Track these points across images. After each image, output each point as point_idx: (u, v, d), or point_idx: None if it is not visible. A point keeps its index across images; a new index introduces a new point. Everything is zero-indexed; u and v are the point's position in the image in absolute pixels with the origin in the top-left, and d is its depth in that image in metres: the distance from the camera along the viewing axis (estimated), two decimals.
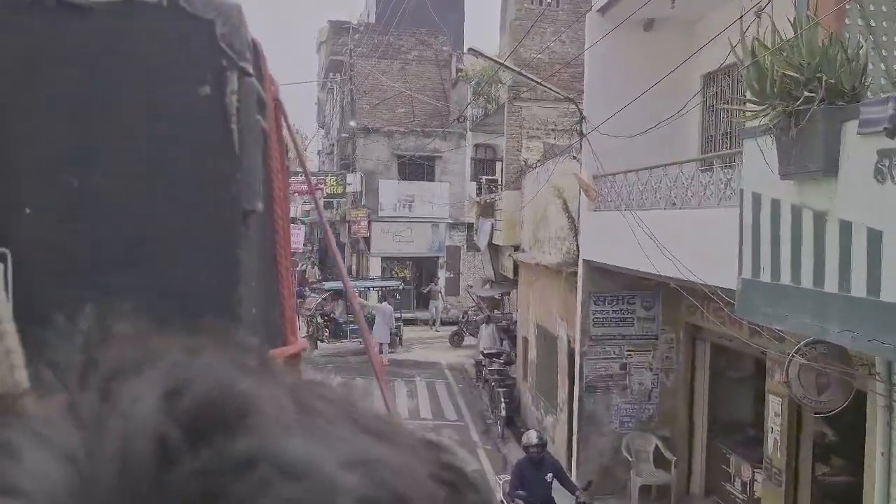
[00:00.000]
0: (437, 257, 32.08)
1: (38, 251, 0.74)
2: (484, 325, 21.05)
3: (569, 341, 14.23)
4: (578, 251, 13.27)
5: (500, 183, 33.74)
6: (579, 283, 12.38)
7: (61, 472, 0.29)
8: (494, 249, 20.54)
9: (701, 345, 12.09)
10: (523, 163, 18.67)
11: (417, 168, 31.54)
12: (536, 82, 14.28)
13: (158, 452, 0.30)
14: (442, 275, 32.13)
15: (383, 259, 31.15)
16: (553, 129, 18.82)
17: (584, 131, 12.16)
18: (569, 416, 14.03)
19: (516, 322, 20.35)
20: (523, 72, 13.62)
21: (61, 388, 0.33)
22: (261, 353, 0.38)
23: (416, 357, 24.65)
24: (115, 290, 0.75)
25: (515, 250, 18.57)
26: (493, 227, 19.93)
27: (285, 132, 0.96)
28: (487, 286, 23.66)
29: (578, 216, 12.93)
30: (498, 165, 33.89)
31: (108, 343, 0.35)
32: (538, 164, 17.37)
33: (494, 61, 15.06)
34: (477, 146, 32.75)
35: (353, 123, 30.16)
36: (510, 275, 18.87)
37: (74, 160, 0.76)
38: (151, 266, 0.77)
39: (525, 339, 18.10)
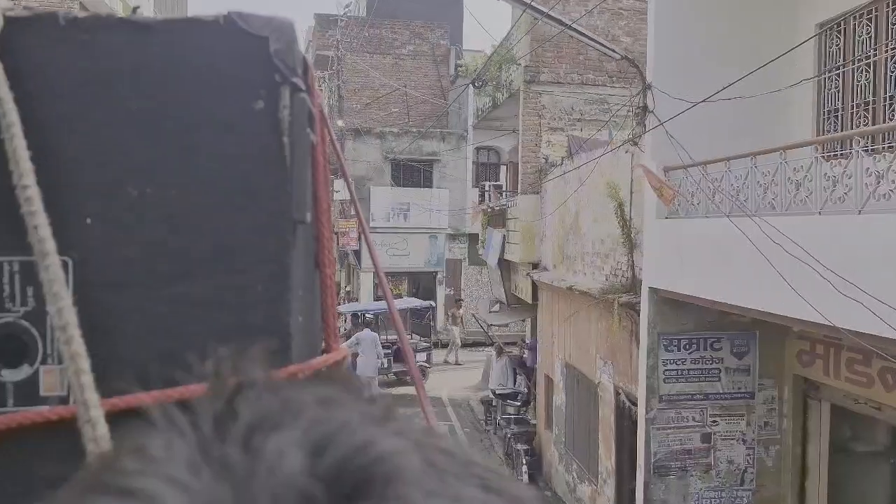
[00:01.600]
0: (436, 272, 28.38)
1: (98, 261, 0.76)
2: (495, 357, 17.32)
3: (617, 393, 10.49)
4: (633, 273, 9.56)
5: (504, 189, 30.12)
6: (643, 321, 8.66)
7: None
8: (506, 266, 16.86)
9: (816, 407, 8.41)
10: (543, 160, 14.98)
11: (413, 173, 27.86)
12: (579, 33, 10.58)
13: None
14: (440, 291, 28.42)
15: (376, 275, 27.43)
16: (580, 119, 15.14)
17: (649, 107, 8.48)
18: (619, 496, 10.30)
19: (531, 346, 16.63)
20: (556, 16, 9.92)
21: (194, 432, 0.34)
22: (385, 402, 0.38)
23: (411, 390, 20.90)
24: (173, 301, 0.77)
25: (534, 268, 14.89)
26: (504, 240, 16.24)
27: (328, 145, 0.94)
28: (496, 308, 19.95)
29: (628, 224, 9.25)
30: (502, 170, 30.25)
31: (243, 390, 0.36)
32: (564, 161, 13.69)
33: (521, 3, 11.32)
34: (479, 149, 29.10)
35: (340, 123, 26.48)
36: (527, 298, 15.19)
37: (134, 173, 0.77)
38: (207, 277, 0.78)
39: (548, 379, 14.38)
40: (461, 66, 29.47)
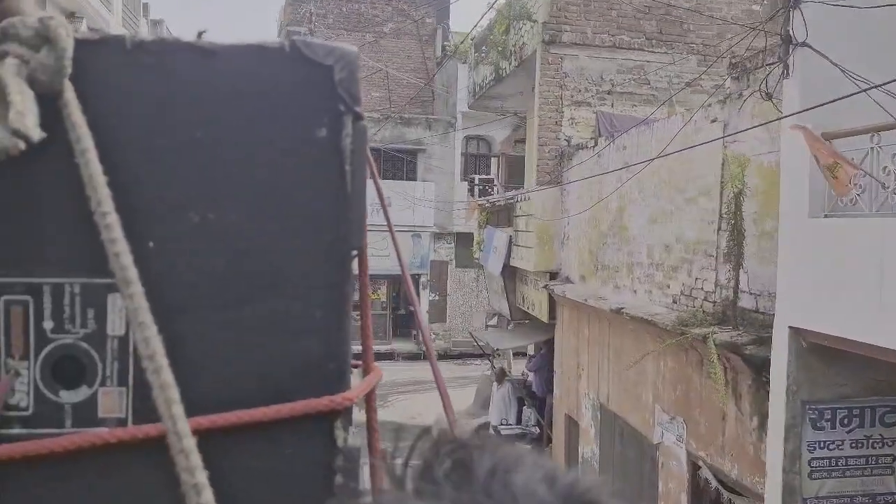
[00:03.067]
0: (419, 275, 25.03)
1: (160, 285, 0.75)
2: (495, 383, 14.05)
3: (694, 466, 7.26)
4: (734, 296, 6.35)
5: (496, 183, 26.86)
6: (777, 381, 5.37)
7: None
8: (511, 274, 13.60)
9: None
10: (565, 143, 11.72)
11: (395, 164, 24.52)
12: None
13: None
14: (425, 296, 25.10)
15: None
16: (610, 92, 11.89)
17: (795, 39, 5.23)
18: None
19: (535, 367, 13.42)
20: None
21: (447, 481, 0.41)
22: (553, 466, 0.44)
23: (397, 415, 17.56)
24: (233, 326, 0.77)
25: (552, 279, 11.64)
26: (510, 243, 12.98)
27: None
28: (493, 321, 16.69)
29: (740, 225, 6.00)
30: (493, 162, 27.01)
31: (464, 446, 0.43)
32: (598, 142, 10.44)
33: None
34: (468, 138, 25.82)
35: None
36: (540, 314, 11.95)
37: (196, 198, 0.77)
38: (267, 302, 0.78)
39: (571, 420, 11.13)
40: (449, 47, 26.15)
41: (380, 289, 25.27)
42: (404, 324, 25.56)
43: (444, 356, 24.81)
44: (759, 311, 6.24)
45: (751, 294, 6.28)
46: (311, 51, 0.79)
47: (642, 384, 8.41)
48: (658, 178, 8.10)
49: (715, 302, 6.91)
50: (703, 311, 7.02)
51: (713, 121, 7.06)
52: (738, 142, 6.53)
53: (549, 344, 12.19)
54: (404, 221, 24.22)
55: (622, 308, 8.43)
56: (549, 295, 11.56)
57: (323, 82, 0.78)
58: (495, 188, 25.35)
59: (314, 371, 0.80)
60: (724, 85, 7.35)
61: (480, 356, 25.03)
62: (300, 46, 0.79)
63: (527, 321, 14.07)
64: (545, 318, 11.76)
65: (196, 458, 0.67)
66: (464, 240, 24.91)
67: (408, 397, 19.15)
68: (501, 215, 14.30)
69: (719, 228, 6.89)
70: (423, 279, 25.00)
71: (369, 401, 0.97)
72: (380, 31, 27.12)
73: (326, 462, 0.81)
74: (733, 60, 6.77)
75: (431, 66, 27.12)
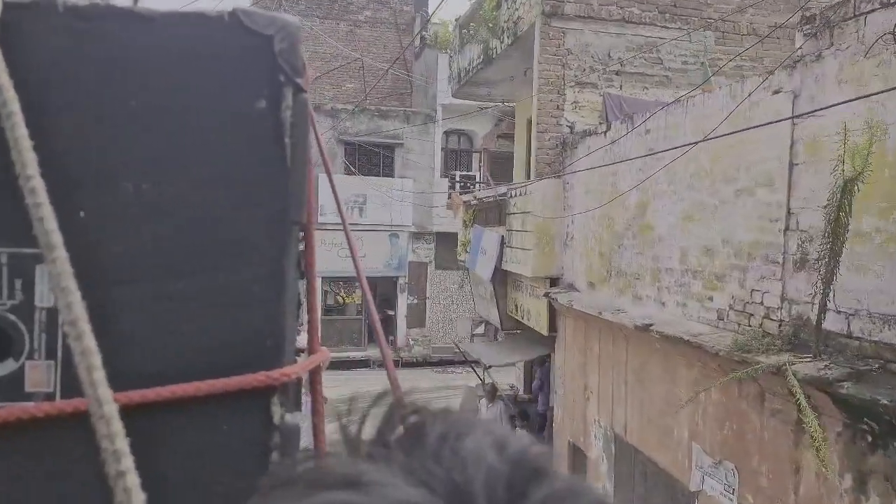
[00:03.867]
0: (397, 277, 23.44)
1: (92, 256, 0.73)
2: (486, 401, 12.49)
3: None
4: (821, 316, 4.84)
5: (479, 180, 25.32)
6: None
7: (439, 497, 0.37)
8: (502, 279, 12.07)
9: None
10: (567, 129, 10.20)
11: (371, 159, 22.89)
12: None
13: (509, 486, 0.38)
14: (403, 300, 23.51)
15: (324, 280, 22.31)
16: (618, 72, 10.38)
17: None
18: None
19: (538, 387, 11.92)
20: None
21: (397, 445, 0.41)
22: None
23: (369, 427, 15.91)
24: (168, 298, 0.75)
25: (552, 285, 10.12)
26: (503, 244, 11.45)
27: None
28: (480, 330, 15.16)
29: (843, 221, 4.48)
30: (475, 158, 25.49)
31: (419, 417, 0.43)
32: (605, 128, 8.93)
33: None
34: (448, 133, 24.27)
35: None
36: (538, 326, 10.43)
37: (130, 167, 0.75)
38: (206, 275, 0.76)
39: (576, 450, 9.61)
40: (428, 37, 24.59)
41: (355, 292, 23.65)
42: (382, 328, 23.93)
43: (424, 363, 23.25)
44: (851, 335, 4.75)
45: (839, 313, 4.78)
46: (252, 20, 0.76)
47: (674, 417, 6.90)
48: (696, 166, 6.59)
49: (781, 321, 5.41)
50: (765, 332, 5.52)
51: (776, 92, 5.56)
52: (815, 116, 5.03)
53: (548, 359, 10.66)
54: (381, 220, 22.64)
55: (650, 325, 6.91)
56: (550, 304, 10.03)
57: (263, 53, 0.76)
58: (478, 185, 23.84)
59: (251, 346, 0.78)
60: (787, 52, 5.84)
61: (463, 363, 23.55)
62: (240, 15, 0.76)
63: (518, 331, 12.54)
64: (544, 330, 10.23)
65: (117, 425, 0.64)
66: (445, 240, 23.34)
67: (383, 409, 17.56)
68: (491, 213, 12.75)
69: (787, 228, 5.39)
70: (400, 281, 23.40)
71: (314, 382, 0.93)
72: (355, 19, 25.47)
73: (263, 439, 0.78)
74: (806, 14, 5.27)
75: (409, 57, 25.52)
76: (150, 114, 0.75)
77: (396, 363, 22.98)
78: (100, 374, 0.66)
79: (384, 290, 24.80)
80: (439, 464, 0.39)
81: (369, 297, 1.35)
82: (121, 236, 0.74)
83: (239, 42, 0.76)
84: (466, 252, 14.10)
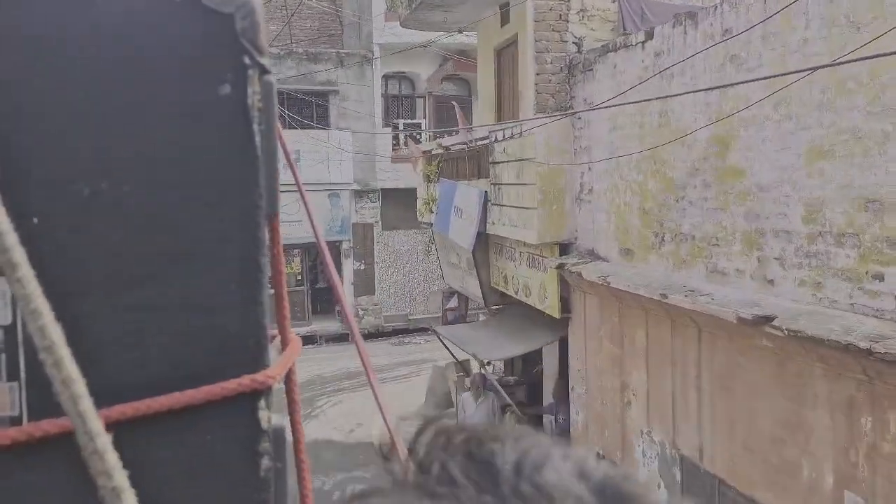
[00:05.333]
0: (340, 241, 20.75)
1: (48, 266, 0.66)
2: (470, 392, 10.09)
3: None
4: None
5: (424, 128, 22.62)
6: None
7: None
8: (483, 244, 9.62)
9: None
10: (574, 48, 7.70)
11: (302, 109, 19.89)
12: None
13: None
14: (348, 266, 20.87)
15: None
16: None
17: None
18: None
19: (551, 407, 9.63)
20: None
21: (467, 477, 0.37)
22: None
23: (328, 430, 13.47)
24: (139, 307, 0.70)
25: (562, 253, 7.73)
26: (485, 201, 8.98)
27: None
28: (453, 304, 12.71)
29: None
30: (419, 104, 22.74)
31: (478, 439, 0.39)
32: (643, 37, 6.46)
33: None
34: (387, 78, 21.43)
35: None
36: (550, 308, 8.06)
37: (85, 167, 0.68)
38: (174, 279, 0.70)
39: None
40: None
41: (293, 260, 20.90)
42: (325, 299, 21.34)
43: (376, 335, 20.75)
44: None
45: None
46: None
47: (798, 445, 4.64)
48: (835, 79, 4.21)
49: None
50: None
51: None
52: None
53: (558, 348, 8.30)
54: (318, 178, 19.82)
55: (769, 317, 4.56)
56: (561, 277, 7.65)
57: (223, 33, 0.68)
58: (423, 135, 21.17)
59: (232, 350, 0.73)
60: None
61: (418, 332, 21.17)
62: None
63: (502, 306, 10.17)
64: (554, 311, 7.85)
65: (112, 458, 0.61)
66: (392, 197, 20.70)
67: (340, 399, 15.09)
68: (465, 164, 10.22)
69: None
70: (344, 246, 20.72)
71: (290, 382, 0.88)
72: None
73: (252, 445, 0.74)
74: None
75: None
76: (103, 106, 0.66)
77: (346, 336, 20.47)
78: (87, 404, 0.60)
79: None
80: (523, 500, 0.35)
81: (332, 270, 1.16)
82: (80, 244, 0.68)
83: (197, 22, 0.67)
84: (431, 212, 11.58)
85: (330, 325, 20.63)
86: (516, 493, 0.36)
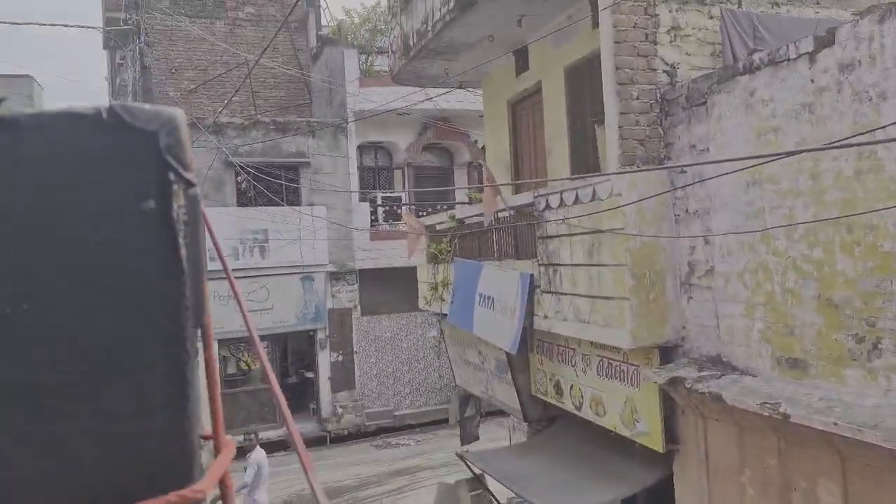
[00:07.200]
0: (314, 330, 18.21)
1: None
2: None
3: None
4: None
5: (403, 202, 20.45)
6: None
7: None
8: (522, 343, 7.28)
9: None
10: (666, 78, 5.58)
11: (271, 185, 17.62)
12: None
13: None
14: (324, 358, 18.27)
15: (222, 344, 16.80)
16: None
17: None
18: None
19: None
20: None
21: None
22: None
23: None
24: (60, 426, 0.67)
25: (663, 360, 5.44)
26: (531, 289, 6.73)
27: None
28: (471, 413, 10.15)
29: None
30: (397, 175, 20.62)
31: None
32: (805, 47, 4.32)
33: None
34: (362, 149, 19.35)
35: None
36: (650, 441, 5.74)
37: (4, 287, 0.67)
38: (101, 396, 0.68)
39: None
40: (329, 34, 19.70)
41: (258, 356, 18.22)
42: (298, 395, 18.65)
43: (357, 435, 18.03)
44: None
45: None
46: (132, 116, 0.69)
47: None
48: None
49: None
50: None
51: None
52: None
53: (658, 492, 5.91)
54: (289, 260, 17.42)
55: None
56: (664, 395, 5.35)
57: (147, 150, 0.69)
58: (406, 207, 18.96)
59: (158, 466, 0.70)
60: None
61: (404, 430, 18.47)
62: (119, 112, 0.69)
63: (545, 423, 7.80)
64: (657, 443, 5.51)
65: None
66: (371, 278, 18.31)
67: None
68: (489, 240, 7.98)
69: None
70: (319, 335, 18.16)
71: (223, 479, 0.84)
72: (234, 16, 20.24)
73: None
74: None
75: (306, 60, 20.52)
76: (26, 227, 0.65)
77: (323, 439, 17.69)
78: None
79: (299, 348, 19.51)
80: None
81: (266, 363, 1.10)
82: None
83: (121, 140, 0.68)
84: (442, 299, 9.25)
85: (305, 426, 17.89)
86: None
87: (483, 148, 19.74)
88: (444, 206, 17.45)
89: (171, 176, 0.69)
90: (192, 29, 18.86)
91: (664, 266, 5.33)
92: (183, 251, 0.70)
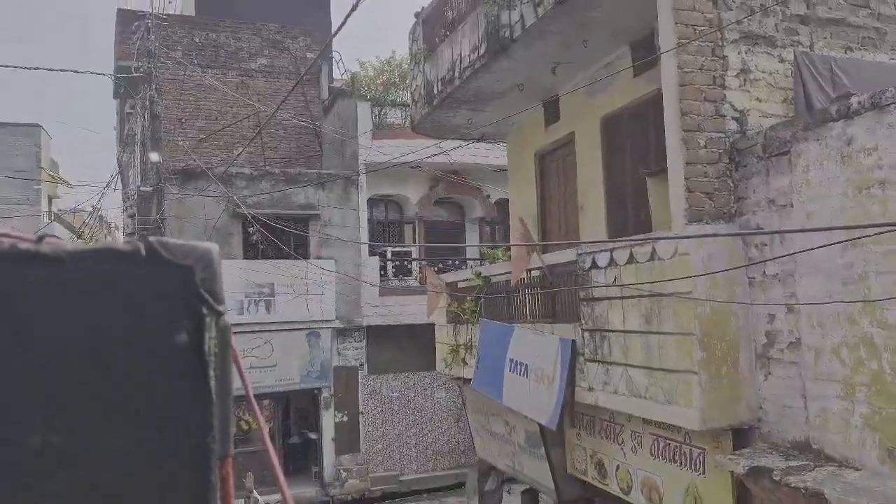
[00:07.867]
0: (319, 389, 17.39)
1: None
2: None
3: None
4: None
5: (414, 257, 19.86)
6: None
7: None
8: (569, 415, 6.55)
9: None
10: (735, 126, 4.99)
11: (279, 237, 17.04)
12: None
13: None
14: (328, 418, 17.41)
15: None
16: (806, 17, 5.35)
17: None
18: None
19: None
20: None
21: None
22: None
23: None
24: None
25: (737, 445, 4.74)
26: (573, 357, 6.06)
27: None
28: (493, 485, 9.39)
29: None
30: (408, 230, 20.08)
31: None
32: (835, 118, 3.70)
33: None
34: (372, 202, 18.84)
35: (155, 158, 15.37)
36: None
37: (37, 420, 0.64)
38: None
39: None
40: (345, 85, 19.41)
41: (264, 411, 17.41)
42: (300, 456, 17.74)
43: (361, 501, 17.05)
44: None
45: None
46: (169, 251, 0.69)
47: None
48: None
49: None
50: None
51: None
52: None
53: None
54: (295, 315, 16.72)
55: None
56: (738, 485, 4.61)
57: (183, 284, 0.69)
58: (415, 263, 18.37)
59: None
60: None
61: (420, 494, 17.49)
62: (157, 247, 0.69)
63: (585, 501, 7.02)
64: None
65: None
66: (379, 336, 17.57)
67: None
68: (521, 301, 7.32)
69: None
70: (324, 394, 17.34)
71: None
72: (246, 67, 19.97)
73: None
74: None
75: (317, 112, 20.17)
76: (61, 360, 0.64)
77: None
78: None
79: (302, 406, 18.62)
80: None
81: (263, 423, 1.09)
82: (26, 499, 0.63)
83: (157, 275, 0.68)
84: (464, 363, 8.54)
85: (307, 490, 16.91)
86: None
87: (495, 203, 19.27)
88: (457, 263, 16.84)
89: (205, 310, 0.68)
90: (204, 78, 18.53)
91: (737, 336, 4.66)
92: (212, 382, 0.68)
